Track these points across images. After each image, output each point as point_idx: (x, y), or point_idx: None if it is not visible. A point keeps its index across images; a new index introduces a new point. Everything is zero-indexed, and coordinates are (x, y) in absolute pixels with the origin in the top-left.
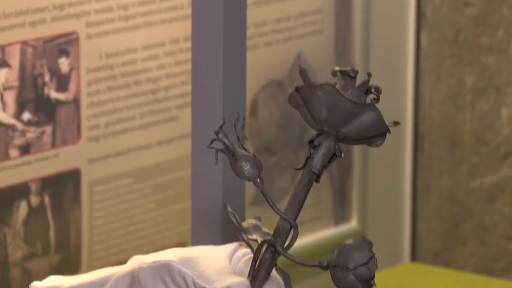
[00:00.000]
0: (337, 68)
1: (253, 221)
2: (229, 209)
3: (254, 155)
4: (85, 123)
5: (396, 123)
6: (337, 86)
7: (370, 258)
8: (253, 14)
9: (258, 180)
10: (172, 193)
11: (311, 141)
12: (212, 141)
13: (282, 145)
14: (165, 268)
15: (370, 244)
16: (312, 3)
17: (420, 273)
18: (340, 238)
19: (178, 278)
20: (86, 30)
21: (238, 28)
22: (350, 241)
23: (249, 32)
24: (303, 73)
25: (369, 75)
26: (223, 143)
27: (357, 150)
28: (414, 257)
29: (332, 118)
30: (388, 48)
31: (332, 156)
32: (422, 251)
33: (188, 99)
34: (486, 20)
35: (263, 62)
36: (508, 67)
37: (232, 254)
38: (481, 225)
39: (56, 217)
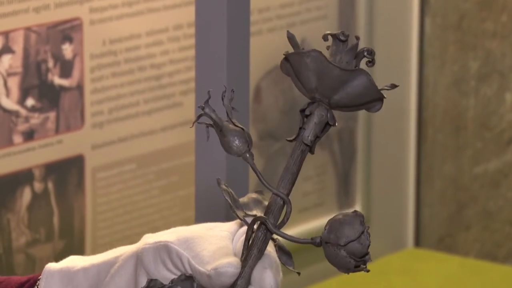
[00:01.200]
0: (327, 32)
1: (253, 195)
2: (223, 186)
3: (242, 128)
4: (88, 109)
5: (393, 86)
6: (329, 51)
7: (362, 233)
8: (256, 0)
9: (247, 155)
10: (176, 179)
11: (302, 110)
12: (199, 116)
13: (286, 131)
14: (164, 249)
15: (361, 218)
16: None
17: (424, 258)
18: None
19: (175, 259)
20: (90, 16)
21: (241, 14)
22: (340, 216)
23: (252, 18)
24: (291, 39)
25: (357, 38)
26: (210, 117)
27: (360, 135)
28: (417, 242)
29: (322, 86)
30: (392, 34)
31: (325, 126)
32: (425, 237)
33: (192, 85)
34: (490, 6)
35: (267, 48)
36: None
37: (235, 232)
38: (485, 211)
39: (60, 203)
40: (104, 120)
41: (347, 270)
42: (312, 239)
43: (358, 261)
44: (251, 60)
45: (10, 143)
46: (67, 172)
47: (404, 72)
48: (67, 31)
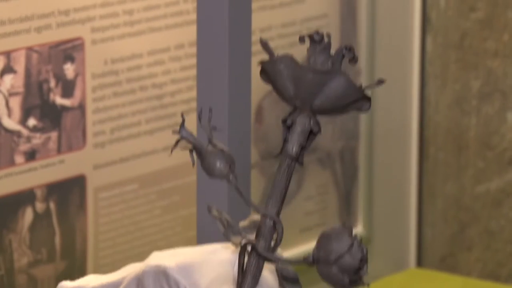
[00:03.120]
0: (303, 33)
1: (255, 217)
2: (214, 213)
3: (222, 149)
4: (90, 129)
5: (379, 82)
6: (307, 55)
7: (351, 245)
8: (258, 19)
9: (230, 177)
10: (178, 199)
11: (284, 121)
12: (177, 141)
13: None
14: (163, 274)
15: (349, 230)
16: (317, 8)
17: (426, 278)
18: None
19: (173, 285)
20: (92, 35)
21: (243, 33)
22: (328, 230)
23: (254, 37)
24: (264, 45)
25: (328, 36)
26: (188, 141)
27: (362, 155)
28: (420, 262)
29: (300, 92)
30: (393, 53)
31: (310, 134)
32: (428, 257)
33: (194, 104)
34: (492, 24)
35: None
36: None
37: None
38: (487, 230)
39: (61, 223)
40: (106, 140)
41: (342, 287)
42: (304, 258)
43: (352, 276)
44: (253, 80)
45: (12, 163)
46: (69, 192)
47: (405, 91)
48: (69, 50)
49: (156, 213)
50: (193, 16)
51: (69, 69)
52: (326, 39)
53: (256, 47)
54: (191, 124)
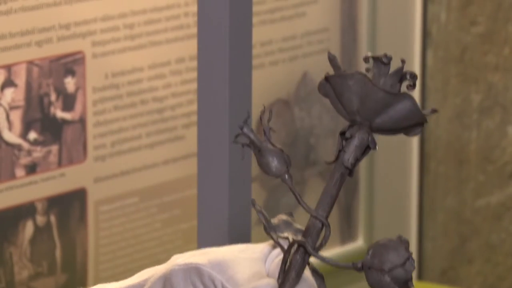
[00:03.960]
0: (369, 54)
1: (284, 217)
2: (257, 207)
3: (281, 149)
4: (91, 143)
5: (434, 111)
6: (369, 74)
7: (407, 259)
8: (259, 33)
9: (286, 176)
10: (178, 213)
11: (342, 133)
12: (237, 135)
13: None
14: (195, 272)
15: (406, 244)
16: (318, 22)
17: None
18: (346, 257)
19: (207, 282)
20: (92, 49)
21: (243, 47)
22: (384, 240)
23: (255, 51)
24: (332, 60)
25: (403, 62)
26: (248, 137)
27: (363, 168)
28: (420, 276)
29: (365, 109)
30: (394, 67)
31: (366, 149)
32: (428, 270)
33: (194, 118)
34: (492, 39)
35: (269, 81)
36: None
37: (268, 254)
38: (488, 244)
39: (62, 236)
40: (107, 153)
41: None
42: (353, 264)
43: (402, 287)
44: (253, 93)
45: (13, 176)
46: (70, 206)
47: None
48: (70, 64)
49: (157, 226)
50: (194, 30)
51: (69, 83)
52: (400, 65)
53: (256, 61)
54: (193, 137)
